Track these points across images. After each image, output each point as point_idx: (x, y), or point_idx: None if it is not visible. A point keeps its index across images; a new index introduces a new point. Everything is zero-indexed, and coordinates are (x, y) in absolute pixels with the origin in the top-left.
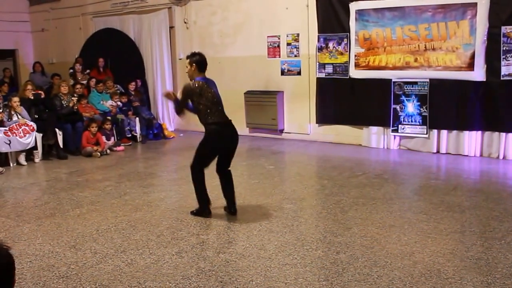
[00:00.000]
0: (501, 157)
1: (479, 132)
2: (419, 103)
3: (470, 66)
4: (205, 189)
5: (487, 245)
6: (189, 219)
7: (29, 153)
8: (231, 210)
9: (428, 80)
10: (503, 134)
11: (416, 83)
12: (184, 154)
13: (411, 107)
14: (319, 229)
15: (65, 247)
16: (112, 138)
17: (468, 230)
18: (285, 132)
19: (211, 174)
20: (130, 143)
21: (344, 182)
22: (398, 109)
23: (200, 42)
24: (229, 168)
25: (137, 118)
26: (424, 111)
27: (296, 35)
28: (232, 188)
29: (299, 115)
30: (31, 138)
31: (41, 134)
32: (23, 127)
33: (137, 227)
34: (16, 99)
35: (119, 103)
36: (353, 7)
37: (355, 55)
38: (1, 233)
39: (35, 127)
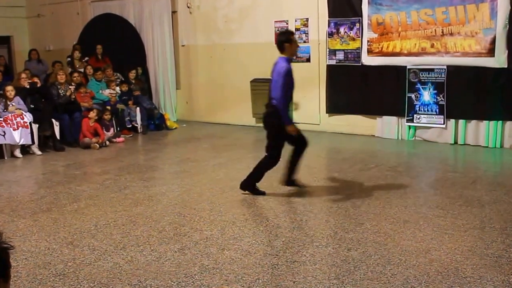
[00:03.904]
0: None
1: (500, 122)
2: (435, 91)
3: (491, 52)
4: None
5: (508, 242)
6: (192, 214)
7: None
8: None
9: (445, 67)
10: None
11: (432, 70)
12: (187, 146)
13: (427, 95)
14: (329, 225)
15: (62, 243)
16: (112, 129)
17: (488, 226)
18: (294, 123)
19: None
20: (131, 134)
21: (356, 175)
22: (414, 97)
23: (204, 27)
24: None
25: (138, 108)
26: (441, 100)
27: (305, 19)
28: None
29: (308, 104)
30: (24, 134)
31: (37, 125)
32: (18, 118)
33: (137, 223)
34: (9, 88)
35: (118, 90)
36: None
37: (368, 41)
38: None
39: (30, 123)
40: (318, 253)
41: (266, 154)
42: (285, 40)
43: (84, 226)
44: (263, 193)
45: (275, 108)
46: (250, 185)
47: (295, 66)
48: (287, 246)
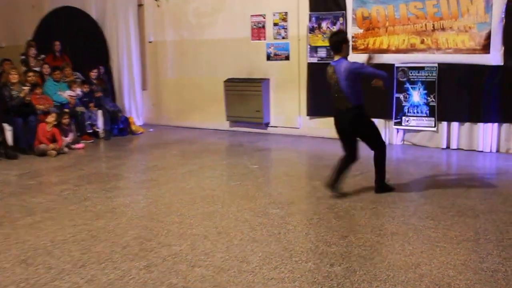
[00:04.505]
0: None
1: (496, 125)
2: (426, 91)
3: (485, 48)
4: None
5: (505, 255)
6: (159, 227)
7: None
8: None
9: (436, 65)
10: None
11: (422, 68)
12: (154, 152)
13: (416, 96)
14: (310, 238)
15: (14, 262)
16: (71, 134)
17: (483, 237)
18: (271, 126)
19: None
20: (92, 140)
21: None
22: (402, 98)
23: (174, 22)
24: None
25: (100, 111)
26: (432, 101)
27: (284, 13)
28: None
29: (287, 106)
30: None
31: None
32: None
33: (99, 238)
34: None
35: (79, 92)
36: None
37: (353, 37)
38: None
39: None
40: (297, 269)
41: (374, 150)
42: (342, 40)
43: (39, 242)
44: (393, 188)
45: (355, 108)
46: (381, 184)
47: (273, 64)
48: (264, 262)
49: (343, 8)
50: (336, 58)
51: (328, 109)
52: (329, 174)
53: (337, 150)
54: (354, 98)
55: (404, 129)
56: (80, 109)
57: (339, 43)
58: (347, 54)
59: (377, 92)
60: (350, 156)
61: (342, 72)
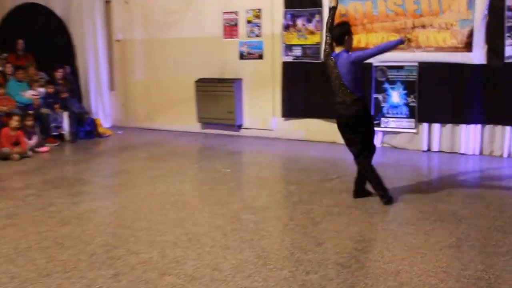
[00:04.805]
0: (505, 155)
1: (479, 126)
2: (406, 91)
3: (468, 46)
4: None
5: (488, 262)
6: (127, 234)
7: None
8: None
9: (416, 64)
10: (508, 128)
11: (402, 67)
12: (122, 155)
13: (396, 96)
14: (285, 245)
15: None
16: (35, 137)
17: (465, 244)
18: (244, 128)
19: None
20: (57, 143)
21: (316, 188)
22: (381, 99)
23: (142, 19)
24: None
25: (66, 113)
26: (412, 101)
27: (257, 10)
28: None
29: (261, 107)
30: None
31: None
32: None
33: (64, 245)
34: None
35: (41, 90)
36: None
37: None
38: None
39: None
40: (272, 277)
41: (357, 158)
42: (346, 32)
43: (1, 250)
44: (371, 193)
45: (360, 100)
46: (384, 193)
47: (246, 64)
48: (237, 270)
49: (319, 4)
50: (338, 50)
51: (303, 110)
52: (376, 191)
53: (313, 153)
54: (357, 90)
55: (383, 131)
56: (44, 110)
57: (342, 34)
58: (350, 47)
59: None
60: (369, 149)
61: (344, 65)
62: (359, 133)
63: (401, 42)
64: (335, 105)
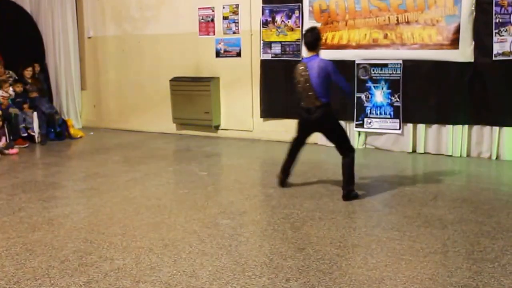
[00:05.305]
0: (493, 157)
1: (466, 127)
2: (389, 90)
3: (454, 43)
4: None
5: (475, 268)
6: (101, 240)
7: None
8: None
9: (401, 62)
10: (496, 128)
11: (386, 65)
12: (95, 158)
13: (379, 95)
14: (263, 251)
15: None
16: (3, 138)
17: (451, 250)
18: (222, 129)
19: None
20: (27, 144)
21: (296, 191)
22: (364, 98)
23: (115, 16)
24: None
25: (35, 113)
26: (396, 101)
27: (234, 6)
28: (344, 172)
29: (239, 107)
30: None
31: None
32: None
33: (34, 252)
34: None
35: (11, 92)
36: None
37: None
38: None
39: None
40: (250, 285)
41: (342, 154)
42: (318, 37)
43: None
44: (358, 196)
45: (326, 105)
46: (351, 192)
47: (223, 62)
48: (214, 277)
49: (299, 0)
50: (310, 54)
51: (283, 110)
52: (343, 185)
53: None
54: (324, 96)
55: (366, 132)
56: (13, 110)
57: (315, 40)
58: (319, 51)
59: (337, 92)
60: (349, 150)
61: (315, 69)
62: (328, 137)
63: (349, 94)
64: (299, 109)
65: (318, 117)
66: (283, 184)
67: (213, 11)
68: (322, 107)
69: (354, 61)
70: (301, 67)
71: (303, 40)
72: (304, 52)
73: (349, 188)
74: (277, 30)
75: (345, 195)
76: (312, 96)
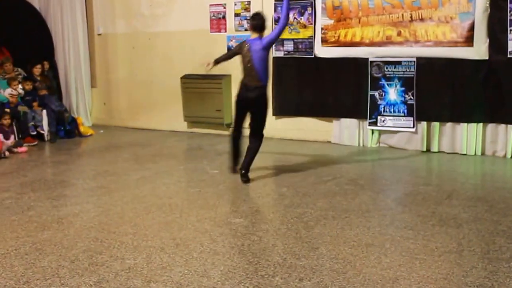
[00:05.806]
0: (508, 155)
1: (480, 125)
2: (403, 88)
3: (469, 40)
4: (234, 148)
5: (491, 268)
6: (111, 239)
7: None
8: (241, 171)
9: (414, 59)
10: (511, 126)
11: (399, 63)
12: (105, 156)
13: (393, 93)
14: (277, 250)
15: None
16: (12, 137)
17: (466, 249)
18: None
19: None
20: (36, 142)
21: (309, 190)
22: (377, 96)
23: (125, 12)
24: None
25: (44, 111)
26: (410, 99)
27: (246, 3)
28: (249, 153)
29: None
30: None
31: None
32: None
33: (44, 251)
34: None
35: (20, 90)
36: None
37: (322, 28)
38: None
39: None
40: (263, 284)
41: (254, 136)
42: (265, 20)
43: None
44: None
45: (264, 87)
46: (247, 173)
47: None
48: (226, 277)
49: None
50: (254, 36)
51: (296, 108)
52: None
53: (307, 153)
54: (264, 78)
55: (379, 130)
56: (22, 108)
57: (263, 22)
58: (263, 34)
59: (350, 90)
60: (262, 135)
61: (258, 50)
62: (254, 117)
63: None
64: (241, 84)
65: (255, 96)
66: (233, 170)
67: (224, 8)
68: (261, 88)
69: (367, 59)
70: (245, 48)
71: (250, 22)
72: (318, 49)
73: (248, 169)
74: (289, 27)
75: (244, 174)
76: (254, 76)
